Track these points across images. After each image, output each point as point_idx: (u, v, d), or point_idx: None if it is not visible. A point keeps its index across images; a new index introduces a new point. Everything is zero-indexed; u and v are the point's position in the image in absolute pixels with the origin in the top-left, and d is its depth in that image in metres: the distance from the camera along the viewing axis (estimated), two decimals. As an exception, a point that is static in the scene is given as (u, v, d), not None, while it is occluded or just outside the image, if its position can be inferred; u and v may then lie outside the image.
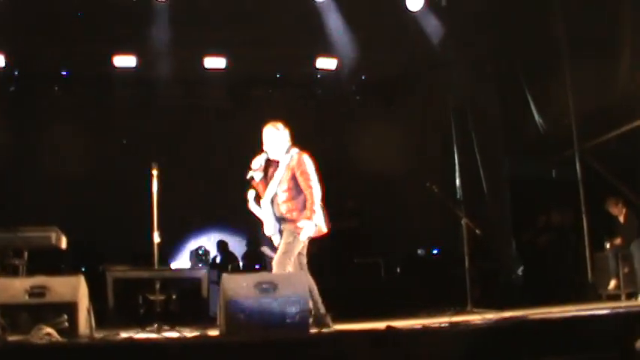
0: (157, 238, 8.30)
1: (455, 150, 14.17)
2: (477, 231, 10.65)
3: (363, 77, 14.68)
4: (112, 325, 7.46)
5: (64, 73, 14.33)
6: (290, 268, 7.74)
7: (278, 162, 7.92)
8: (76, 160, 13.76)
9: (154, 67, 13.54)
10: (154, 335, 7.09)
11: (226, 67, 13.77)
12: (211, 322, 7.31)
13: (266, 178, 7.99)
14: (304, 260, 8.04)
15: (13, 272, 9.23)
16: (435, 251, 13.97)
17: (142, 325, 7.39)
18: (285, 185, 7.82)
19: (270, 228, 7.97)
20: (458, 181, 14.06)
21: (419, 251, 13.98)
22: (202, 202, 14.04)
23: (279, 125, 8.07)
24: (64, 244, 8.68)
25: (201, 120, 14.68)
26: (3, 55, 13.42)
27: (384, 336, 6.76)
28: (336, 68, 14.10)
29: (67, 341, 6.31)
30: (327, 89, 15.03)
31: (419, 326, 7.34)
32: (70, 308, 6.48)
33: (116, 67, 13.64)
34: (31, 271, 9.48)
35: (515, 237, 13.44)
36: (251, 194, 8.11)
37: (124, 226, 13.00)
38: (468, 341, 6.66)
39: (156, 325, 7.36)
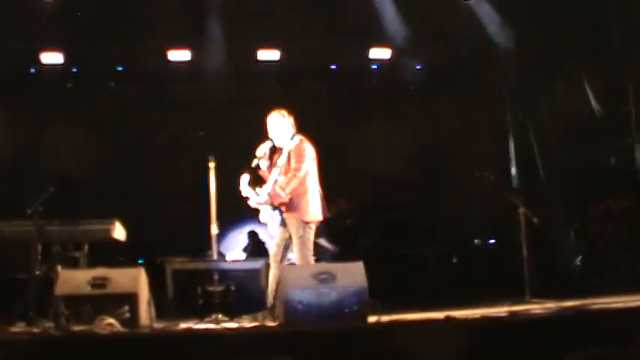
0: (214, 230, 8.36)
1: (510, 138, 14.01)
2: (535, 219, 10.51)
3: (418, 67, 14.56)
4: (172, 316, 7.55)
5: (120, 68, 14.47)
6: (311, 258, 7.88)
7: (278, 149, 8.10)
8: (132, 153, 13.95)
9: (208, 60, 13.61)
10: (212, 326, 7.16)
11: (280, 59, 13.79)
12: (269, 313, 7.32)
13: (272, 166, 8.11)
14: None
15: (74, 265, 9.38)
16: (491, 241, 13.85)
17: (200, 316, 7.47)
18: (285, 168, 7.99)
19: (266, 215, 8.08)
20: (513, 170, 13.90)
21: (475, 241, 13.88)
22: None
23: (284, 112, 8.27)
24: (123, 236, 8.78)
25: (255, 113, 14.69)
26: (61, 52, 13.66)
27: (442, 325, 6.74)
28: (390, 58, 14.03)
29: (128, 331, 6.41)
30: (380, 79, 14.95)
31: (478, 316, 7.29)
32: (131, 299, 6.58)
33: (170, 62, 13.75)
34: (90, 264, 9.64)
35: (574, 226, 13.25)
36: (244, 179, 8.17)
37: (181, 219, 13.15)
38: (528, 331, 6.61)
39: (214, 316, 7.43)
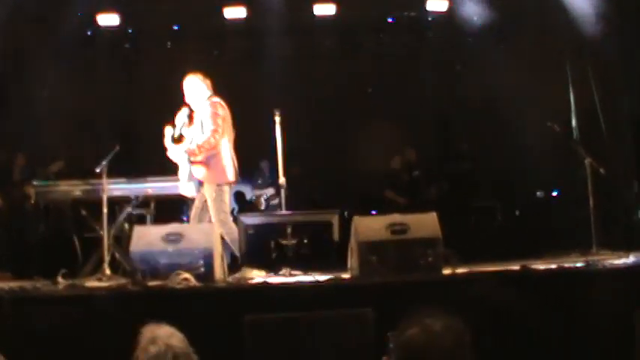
0: (282, 182, 8.37)
1: (570, 89, 13.75)
2: (601, 170, 10.31)
3: (475, 18, 14.28)
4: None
5: (176, 27, 14.46)
6: (230, 221, 7.88)
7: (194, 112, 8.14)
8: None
9: (264, 16, 13.54)
10: (286, 279, 7.17)
11: (335, 13, 13.64)
12: (343, 266, 7.30)
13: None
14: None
15: (140, 222, 9.47)
16: (554, 193, 13.66)
17: (274, 270, 7.49)
18: (199, 130, 7.99)
19: (183, 175, 8.05)
20: (574, 121, 13.65)
21: (538, 193, 13.69)
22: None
23: (199, 76, 8.36)
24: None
25: (312, 68, 14.62)
26: (117, 14, 13.71)
27: (519, 276, 6.68)
28: (448, 9, 13.81)
29: (203, 285, 6.45)
30: (438, 32, 14.72)
31: (554, 266, 7.20)
32: (206, 254, 6.60)
33: (226, 19, 13.70)
34: (156, 221, 9.72)
35: (637, 177, 13.01)
36: (168, 131, 8.21)
37: (247, 174, 13.22)
38: (605, 281, 6.52)
39: (288, 270, 7.44)
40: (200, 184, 8.02)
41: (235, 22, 13.77)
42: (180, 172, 8.08)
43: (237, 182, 8.47)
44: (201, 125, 7.96)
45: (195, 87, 8.18)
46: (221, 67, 14.38)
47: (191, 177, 7.93)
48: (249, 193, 13.27)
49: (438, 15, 14.16)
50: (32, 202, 9.75)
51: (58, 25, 13.95)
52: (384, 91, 14.09)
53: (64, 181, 9.35)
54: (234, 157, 8.20)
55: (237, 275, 7.50)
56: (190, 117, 8.13)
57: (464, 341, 2.94)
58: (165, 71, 14.48)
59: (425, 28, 14.63)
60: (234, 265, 8.06)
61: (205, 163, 7.89)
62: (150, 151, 13.46)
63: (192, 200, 8.50)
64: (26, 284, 7.38)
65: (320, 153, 13.48)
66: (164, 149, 8.40)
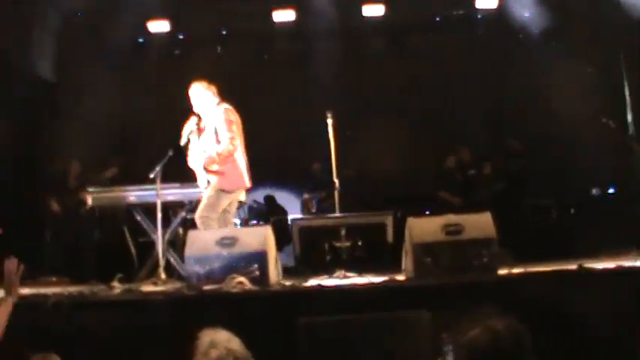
0: (337, 186, 8.36)
1: (625, 84, 13.52)
2: (658, 166, 10.12)
3: (526, 13, 14.09)
4: (300, 273, 7.59)
5: (225, 32, 14.55)
6: (214, 224, 7.76)
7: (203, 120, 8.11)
8: (243, 115, 14.03)
9: (313, 19, 13.57)
10: (341, 282, 7.15)
11: (384, 13, 13.61)
12: (397, 267, 7.26)
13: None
14: (231, 218, 8.16)
15: (194, 226, 9.54)
16: (610, 190, 13.43)
17: (328, 272, 7.48)
18: (213, 139, 7.94)
19: (202, 182, 8.03)
20: (630, 116, 13.43)
21: (593, 191, 13.48)
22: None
23: (204, 84, 8.28)
24: (244, 196, 8.86)
25: (362, 69, 14.59)
26: (167, 20, 13.86)
27: (576, 276, 6.57)
28: (498, 7, 13.68)
29: (259, 289, 6.46)
30: (488, 29, 14.58)
31: (612, 265, 7.06)
32: (260, 257, 6.60)
33: (275, 22, 13.76)
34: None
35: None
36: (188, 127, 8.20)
37: (297, 177, 13.27)
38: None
39: (342, 272, 7.42)
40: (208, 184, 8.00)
41: (284, 25, 13.83)
42: (198, 181, 8.08)
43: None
44: (214, 133, 7.94)
45: (202, 95, 8.19)
46: (271, 71, 14.49)
47: (209, 185, 7.92)
48: (291, 195, 13.28)
49: (488, 12, 14.03)
50: (87, 208, 9.88)
51: (109, 34, 14.16)
52: (433, 90, 13.97)
53: (118, 187, 9.47)
54: (247, 162, 8.22)
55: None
56: (199, 126, 8.11)
57: (526, 342, 2.93)
58: (216, 76, 14.60)
59: (474, 25, 14.50)
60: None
61: (222, 170, 7.89)
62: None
63: (243, 204, 8.54)
64: (84, 289, 7.48)
65: (372, 154, 13.42)
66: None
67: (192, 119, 8.12)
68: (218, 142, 7.88)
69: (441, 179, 11.27)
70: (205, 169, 7.92)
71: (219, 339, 3.35)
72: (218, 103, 8.12)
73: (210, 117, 8.05)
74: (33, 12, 13.59)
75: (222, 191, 7.86)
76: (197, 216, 7.85)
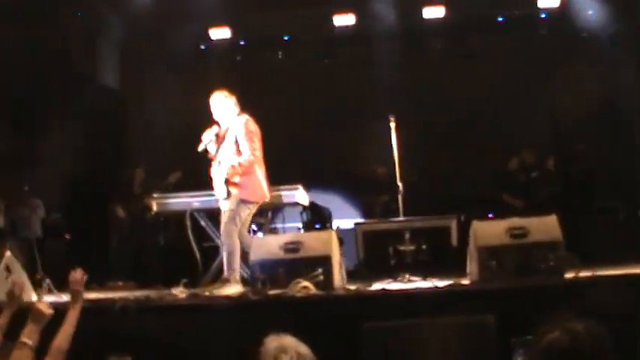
0: (401, 188, 8.33)
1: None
2: None
3: (590, 12, 13.86)
4: (364, 278, 7.57)
5: (286, 37, 14.64)
6: (236, 235, 7.71)
7: (225, 129, 8.00)
8: (306, 119, 14.11)
9: (373, 22, 13.59)
10: (405, 286, 7.12)
11: (445, 15, 13.54)
12: (462, 271, 7.20)
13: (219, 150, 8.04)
14: (245, 230, 8.08)
15: (258, 230, 9.62)
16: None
17: (393, 276, 7.45)
18: (232, 149, 7.86)
19: (221, 192, 7.93)
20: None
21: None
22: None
23: (225, 93, 8.15)
24: (306, 200, 8.90)
25: (423, 71, 14.52)
26: (229, 27, 14.02)
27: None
28: (560, 6, 13.48)
29: (323, 294, 6.46)
30: (550, 29, 14.35)
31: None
32: (325, 262, 6.60)
33: (336, 27, 13.80)
34: (271, 230, 9.84)
35: None
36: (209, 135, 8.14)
37: (355, 180, 13.28)
38: None
39: (407, 276, 7.38)
40: (228, 196, 7.94)
41: (345, 30, 13.87)
42: (216, 189, 8.07)
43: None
44: (235, 143, 7.91)
45: (223, 104, 8.12)
46: (332, 75, 14.52)
47: (229, 195, 7.92)
48: (351, 199, 13.26)
49: (551, 11, 13.84)
50: (152, 213, 10.01)
51: (172, 42, 14.39)
52: (495, 91, 13.81)
53: (182, 192, 9.57)
54: (265, 174, 8.17)
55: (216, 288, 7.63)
56: (218, 135, 8.12)
57: (606, 344, 2.89)
58: (277, 81, 14.72)
59: (536, 25, 14.31)
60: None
61: (244, 182, 7.86)
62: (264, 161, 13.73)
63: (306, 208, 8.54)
64: (151, 293, 7.58)
65: (435, 157, 13.33)
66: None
67: (213, 128, 8.12)
68: (239, 152, 7.86)
69: (504, 181, 11.13)
70: (227, 180, 7.90)
71: (288, 344, 3.37)
72: (238, 113, 8.10)
73: (231, 127, 8.04)
74: (97, 24, 13.89)
75: (243, 202, 7.86)
76: (223, 231, 7.84)
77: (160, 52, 14.66)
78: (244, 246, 7.83)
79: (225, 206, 7.92)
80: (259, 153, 7.94)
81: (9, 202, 12.75)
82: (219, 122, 8.12)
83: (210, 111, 14.33)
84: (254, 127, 8.01)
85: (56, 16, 12.79)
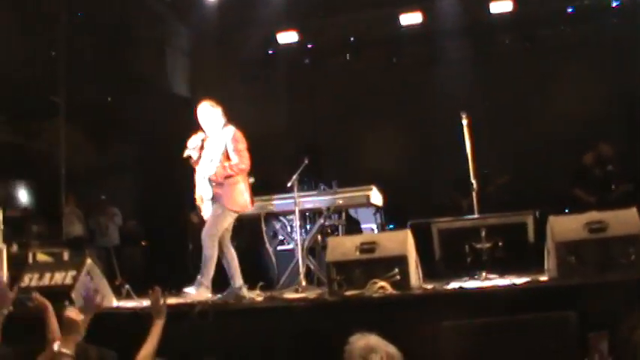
0: (473, 186, 8.28)
1: None
2: None
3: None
4: (440, 276, 7.54)
5: (353, 39, 14.65)
6: (216, 240, 7.79)
7: (211, 138, 8.05)
8: (376, 120, 14.09)
9: (440, 19, 13.52)
10: (482, 284, 7.06)
11: (512, 9, 13.35)
12: (540, 268, 7.11)
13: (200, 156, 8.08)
14: (228, 235, 8.09)
15: (333, 232, 9.65)
16: None
17: (469, 274, 7.40)
18: (219, 159, 7.89)
19: (205, 192, 7.99)
20: None
21: None
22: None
23: (212, 103, 8.16)
24: (380, 201, 8.89)
25: (492, 66, 14.35)
26: (296, 31, 14.11)
27: None
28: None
29: (401, 293, 6.45)
30: (622, 18, 13.98)
31: None
32: (401, 261, 6.58)
33: (402, 26, 13.77)
34: (349, 231, 9.85)
35: None
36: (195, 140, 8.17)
37: (430, 178, 13.21)
38: None
39: (484, 274, 7.33)
40: (213, 200, 8.01)
41: (412, 28, 13.82)
42: (201, 191, 8.11)
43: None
44: (223, 153, 7.96)
45: (210, 114, 8.15)
46: (400, 74, 14.49)
47: (214, 197, 7.97)
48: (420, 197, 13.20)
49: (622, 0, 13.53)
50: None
51: (240, 47, 14.54)
52: (567, 83, 13.53)
53: (257, 196, 9.65)
54: (249, 185, 8.26)
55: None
56: (203, 143, 8.14)
57: None
58: (346, 82, 14.75)
59: (608, 14, 13.98)
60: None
61: (228, 190, 7.93)
62: (335, 163, 13.79)
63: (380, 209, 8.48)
64: (228, 297, 7.65)
65: (506, 152, 13.15)
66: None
67: (198, 134, 8.16)
68: (227, 160, 7.93)
69: (578, 176, 10.92)
70: (212, 185, 7.96)
71: (376, 344, 3.38)
72: (225, 124, 8.14)
73: (217, 136, 8.08)
74: (165, 32, 14.12)
75: (229, 210, 7.93)
76: (205, 234, 7.89)
77: (228, 59, 14.82)
78: (227, 258, 8.02)
79: (208, 211, 8.02)
80: (248, 164, 8.02)
81: (87, 211, 13.07)
82: (206, 131, 8.16)
83: (282, 114, 14.61)
84: (243, 138, 8.09)
85: (128, 28, 13.05)
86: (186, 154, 8.14)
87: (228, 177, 7.89)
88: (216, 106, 8.20)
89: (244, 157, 7.96)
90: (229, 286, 8.02)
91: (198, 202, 8.18)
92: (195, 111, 8.19)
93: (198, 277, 7.85)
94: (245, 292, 7.82)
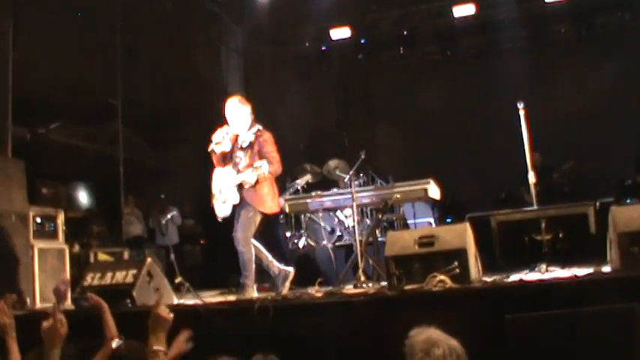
0: (532, 179, 8.17)
1: None
2: None
3: None
4: (500, 269, 7.46)
5: (406, 32, 14.60)
6: (251, 244, 7.88)
7: (238, 135, 8.02)
8: (433, 113, 14.03)
9: (494, 10, 13.42)
10: (543, 276, 6.97)
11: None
12: (602, 259, 6.99)
13: (225, 152, 8.08)
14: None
15: (390, 227, 9.62)
16: None
17: (530, 267, 7.31)
18: (247, 160, 7.88)
19: (232, 197, 7.99)
20: None
21: None
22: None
23: (242, 99, 8.13)
24: (438, 194, 8.83)
25: (550, 57, 14.16)
26: (348, 26, 14.13)
27: None
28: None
29: (461, 287, 6.40)
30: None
31: None
32: (460, 255, 6.52)
33: (456, 18, 13.70)
34: (407, 225, 9.82)
35: None
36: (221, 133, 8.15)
37: (491, 172, 13.10)
38: None
39: (544, 266, 7.23)
40: (241, 203, 8.01)
41: (465, 20, 13.75)
42: (226, 194, 8.09)
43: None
44: (256, 152, 7.95)
45: (239, 111, 8.11)
46: (455, 66, 14.41)
47: (241, 200, 7.96)
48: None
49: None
50: (286, 214, 10.17)
51: (293, 45, 14.59)
52: (624, 69, 13.25)
53: (314, 192, 9.67)
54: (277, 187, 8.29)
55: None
56: (227, 138, 8.13)
57: None
58: (400, 77, 14.72)
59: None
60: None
61: (259, 192, 7.93)
62: (391, 157, 13.76)
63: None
64: (287, 293, 7.69)
65: (569, 142, 12.94)
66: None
67: (224, 129, 8.13)
68: (259, 158, 7.88)
69: None
70: (244, 187, 7.95)
71: (438, 337, 3.36)
72: (253, 121, 8.12)
73: (246, 135, 8.07)
74: (220, 32, 14.23)
75: (260, 213, 7.97)
76: (239, 237, 7.92)
77: (281, 57, 14.89)
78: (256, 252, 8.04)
79: (227, 212, 8.07)
80: (280, 167, 8.02)
81: (147, 210, 13.24)
82: (233, 127, 8.14)
83: (336, 110, 14.61)
84: (272, 140, 8.08)
85: (183, 29, 13.18)
86: (210, 148, 8.18)
87: (258, 182, 7.92)
88: (246, 104, 8.21)
89: (276, 160, 7.94)
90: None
91: (214, 198, 8.24)
92: (252, 109, 8.20)
93: (241, 279, 7.95)
94: (291, 275, 7.98)
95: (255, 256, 8.04)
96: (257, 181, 7.88)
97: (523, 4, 13.49)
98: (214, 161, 8.26)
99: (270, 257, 8.13)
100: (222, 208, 8.18)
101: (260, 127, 8.12)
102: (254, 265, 7.95)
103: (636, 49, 13.42)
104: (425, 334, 3.40)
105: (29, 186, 9.02)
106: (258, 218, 8.01)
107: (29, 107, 10.78)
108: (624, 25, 13.71)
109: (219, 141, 8.15)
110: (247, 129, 8.09)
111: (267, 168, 7.71)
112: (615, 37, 13.70)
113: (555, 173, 10.93)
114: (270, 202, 8.05)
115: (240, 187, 7.97)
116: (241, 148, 8.08)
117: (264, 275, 8.42)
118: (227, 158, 8.21)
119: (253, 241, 8.08)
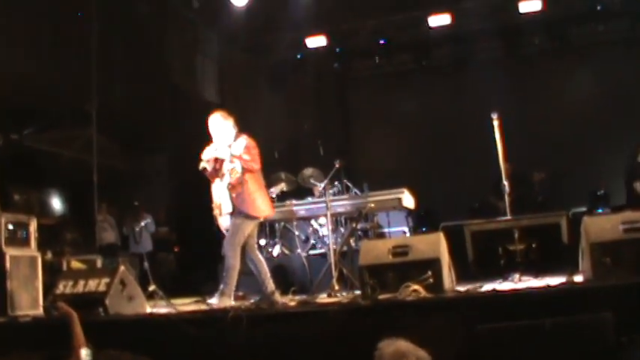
0: (505, 188, 8.21)
1: None
2: None
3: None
4: (474, 278, 7.49)
5: (382, 41, 14.63)
6: (239, 249, 7.80)
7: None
8: (404, 123, 14.08)
9: (469, 21, 13.47)
10: (516, 286, 7.00)
11: (541, 9, 13.25)
12: (574, 269, 7.02)
13: (216, 168, 8.06)
14: (253, 242, 8.07)
15: (364, 236, 9.61)
16: None
17: (503, 277, 7.35)
18: (229, 167, 7.92)
19: (225, 207, 7.99)
20: None
21: None
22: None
23: (224, 113, 8.16)
24: (412, 204, 8.85)
25: (525, 68, 14.27)
26: (324, 35, 14.13)
27: None
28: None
29: (434, 296, 6.40)
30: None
31: None
32: (434, 264, 6.54)
33: (431, 27, 13.75)
34: (381, 234, 9.82)
35: None
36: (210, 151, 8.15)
37: (460, 180, 13.14)
38: None
39: (517, 276, 7.27)
40: (232, 212, 8.01)
41: (441, 30, 13.78)
42: (221, 206, 8.09)
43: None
44: (238, 160, 7.96)
45: (221, 125, 8.13)
46: (430, 76, 14.47)
47: (234, 209, 7.96)
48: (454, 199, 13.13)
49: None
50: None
51: (268, 53, 14.57)
52: (599, 81, 13.36)
53: (289, 200, 9.65)
54: (266, 191, 8.33)
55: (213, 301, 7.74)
56: (217, 154, 8.12)
57: None
58: (375, 86, 14.76)
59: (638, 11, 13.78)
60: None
61: (247, 197, 7.92)
62: (365, 167, 13.78)
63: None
64: (260, 302, 7.65)
65: (542, 152, 13.02)
66: None
67: (213, 146, 8.13)
68: (237, 171, 7.94)
69: (633, 173, 10.75)
70: (232, 195, 7.94)
71: (406, 349, 3.35)
72: (237, 133, 8.12)
73: (233, 146, 8.06)
74: (195, 39, 14.19)
75: (247, 218, 7.92)
76: (227, 243, 7.92)
77: (257, 64, 14.87)
78: (255, 264, 8.01)
79: (227, 222, 8.04)
80: (258, 167, 8.03)
81: (120, 217, 13.15)
82: (218, 142, 8.14)
83: (306, 118, 14.58)
84: (255, 145, 8.08)
85: (158, 36, 13.13)
86: (201, 166, 8.14)
87: (240, 183, 7.91)
88: (228, 118, 8.19)
89: (255, 157, 7.98)
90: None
91: (215, 212, 8.19)
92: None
93: (221, 286, 7.89)
94: (278, 297, 7.81)
95: (255, 267, 8.02)
96: (244, 188, 7.89)
97: (498, 14, 13.56)
98: (209, 178, 8.23)
99: (269, 274, 8.07)
100: (225, 220, 8.14)
101: (245, 138, 8.11)
102: (236, 274, 7.88)
103: (610, 60, 13.54)
104: (393, 346, 3.40)
105: (1, 192, 8.94)
106: (248, 226, 7.96)
107: (2, 113, 10.69)
108: (598, 37, 13.84)
109: (209, 158, 8.13)
110: (233, 141, 8.08)
111: (239, 166, 7.78)
112: (589, 49, 13.83)
113: (527, 184, 10.98)
114: (261, 205, 8.03)
115: (233, 197, 7.96)
116: (228, 163, 8.06)
117: (239, 284, 8.37)
118: (219, 172, 8.19)
119: (255, 251, 8.08)
